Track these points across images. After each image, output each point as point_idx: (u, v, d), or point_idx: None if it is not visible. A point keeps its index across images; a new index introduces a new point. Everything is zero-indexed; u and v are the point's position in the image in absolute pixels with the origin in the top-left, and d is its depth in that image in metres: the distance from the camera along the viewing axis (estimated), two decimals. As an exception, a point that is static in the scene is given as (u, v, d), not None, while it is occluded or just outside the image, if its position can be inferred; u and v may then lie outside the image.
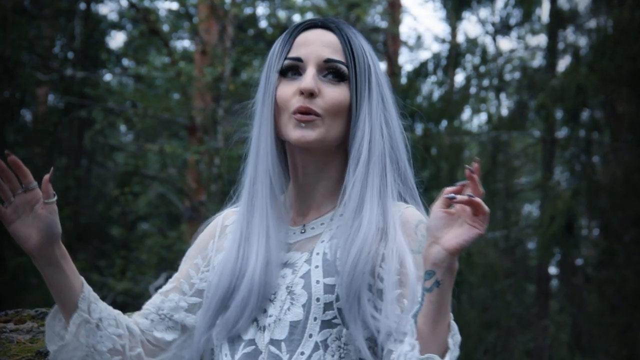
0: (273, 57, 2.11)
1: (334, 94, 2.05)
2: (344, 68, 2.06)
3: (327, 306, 2.00)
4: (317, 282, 2.01)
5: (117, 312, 2.18)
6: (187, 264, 2.25)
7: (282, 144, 2.14)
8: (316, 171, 2.11)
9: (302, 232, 2.11)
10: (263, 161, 2.08)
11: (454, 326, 1.89)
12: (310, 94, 2.03)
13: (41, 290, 13.38)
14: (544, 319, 14.83)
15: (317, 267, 2.03)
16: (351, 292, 1.95)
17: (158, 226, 18.88)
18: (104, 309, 2.13)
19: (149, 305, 2.21)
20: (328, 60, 2.06)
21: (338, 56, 2.07)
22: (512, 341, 16.09)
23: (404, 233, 2.01)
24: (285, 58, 2.09)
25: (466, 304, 14.24)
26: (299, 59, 2.07)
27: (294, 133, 2.04)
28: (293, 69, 2.08)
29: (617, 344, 13.24)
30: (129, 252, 16.53)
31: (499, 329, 15.22)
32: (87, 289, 2.11)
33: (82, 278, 2.10)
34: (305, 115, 2.03)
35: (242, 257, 2.07)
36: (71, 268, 2.08)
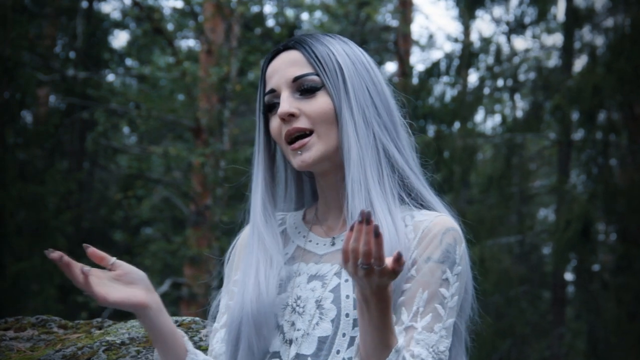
0: (258, 99, 2.16)
1: (314, 105, 2.05)
2: (313, 78, 2.06)
3: (357, 322, 1.95)
4: (347, 296, 2.00)
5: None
6: (230, 284, 2.20)
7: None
8: (339, 189, 2.10)
9: (332, 245, 2.10)
10: (257, 200, 2.13)
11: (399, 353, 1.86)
12: (291, 116, 2.04)
13: (42, 297, 13.29)
14: (559, 326, 14.77)
15: (347, 280, 2.02)
16: None
17: (162, 231, 18.94)
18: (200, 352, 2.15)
19: (215, 345, 2.18)
20: (296, 79, 2.07)
21: (306, 69, 2.07)
22: (527, 349, 16.07)
23: (423, 243, 2.01)
24: (264, 95, 2.12)
25: (480, 311, 14.17)
26: (272, 90, 2.09)
27: (294, 162, 2.06)
28: (273, 102, 2.09)
29: (635, 352, 13.24)
30: (133, 258, 16.49)
31: (513, 337, 15.16)
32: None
33: None
34: (297, 141, 2.05)
35: (243, 292, 2.10)
36: None
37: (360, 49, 2.15)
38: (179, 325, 3.10)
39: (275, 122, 2.08)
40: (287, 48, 2.11)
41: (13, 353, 3.03)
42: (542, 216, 20.53)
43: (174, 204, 17.18)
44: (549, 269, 16.02)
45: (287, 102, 2.04)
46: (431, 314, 1.94)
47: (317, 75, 2.06)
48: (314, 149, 2.04)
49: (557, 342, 14.61)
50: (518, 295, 14.76)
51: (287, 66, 2.08)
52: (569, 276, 16.77)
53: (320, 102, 2.05)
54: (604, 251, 15.41)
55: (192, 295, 13.97)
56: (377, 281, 1.76)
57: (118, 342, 3.03)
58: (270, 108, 2.10)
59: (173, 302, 16.19)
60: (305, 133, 2.05)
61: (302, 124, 2.04)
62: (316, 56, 2.08)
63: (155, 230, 19.72)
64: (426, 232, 2.00)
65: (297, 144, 2.04)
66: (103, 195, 19.36)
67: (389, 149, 2.06)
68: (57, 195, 15.04)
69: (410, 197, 2.07)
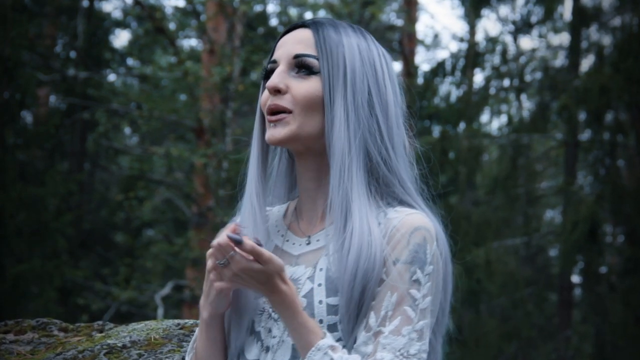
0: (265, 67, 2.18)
1: (302, 87, 2.05)
2: (312, 61, 2.06)
3: (331, 328, 1.97)
4: (320, 302, 1.99)
5: None
6: None
7: (288, 154, 2.22)
8: (315, 177, 2.10)
9: (307, 244, 2.09)
10: (250, 172, 2.13)
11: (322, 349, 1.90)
12: (278, 91, 2.05)
13: (42, 300, 13.25)
14: (566, 329, 14.76)
15: (320, 285, 2.01)
16: (351, 305, 1.95)
17: (164, 233, 19.01)
18: None
19: None
20: (297, 56, 2.07)
21: (309, 51, 2.08)
22: (533, 352, 16.08)
23: (391, 243, 1.98)
24: (268, 63, 2.14)
25: (485, 314, 14.27)
26: (274, 61, 2.10)
27: (266, 134, 2.06)
28: (271, 72, 2.11)
29: (643, 355, 13.02)
30: (134, 260, 16.57)
31: (519, 339, 15.12)
32: None
33: None
34: (274, 115, 2.05)
35: None
36: None
37: (382, 49, 2.13)
38: (181, 328, 3.14)
39: (265, 92, 2.09)
40: (304, 25, 2.13)
41: (13, 356, 3.01)
42: (549, 218, 20.65)
43: (175, 206, 17.27)
44: (556, 271, 16.05)
45: (279, 77, 2.05)
46: (400, 317, 1.92)
47: (317, 59, 2.06)
48: (287, 128, 2.03)
49: (564, 345, 14.62)
50: (524, 298, 14.74)
51: (294, 42, 2.09)
52: (575, 278, 16.80)
53: (310, 86, 2.04)
54: (611, 253, 15.41)
55: (194, 298, 13.92)
56: (251, 277, 1.86)
57: (119, 345, 3.02)
58: (268, 77, 2.11)
59: (175, 305, 16.11)
60: (285, 112, 2.05)
61: (283, 102, 2.04)
62: (325, 41, 2.08)
63: (157, 232, 19.84)
64: (394, 231, 1.98)
65: (273, 117, 2.04)
66: (104, 197, 19.46)
67: (371, 151, 2.03)
68: (58, 197, 15.00)
69: (387, 202, 2.04)
